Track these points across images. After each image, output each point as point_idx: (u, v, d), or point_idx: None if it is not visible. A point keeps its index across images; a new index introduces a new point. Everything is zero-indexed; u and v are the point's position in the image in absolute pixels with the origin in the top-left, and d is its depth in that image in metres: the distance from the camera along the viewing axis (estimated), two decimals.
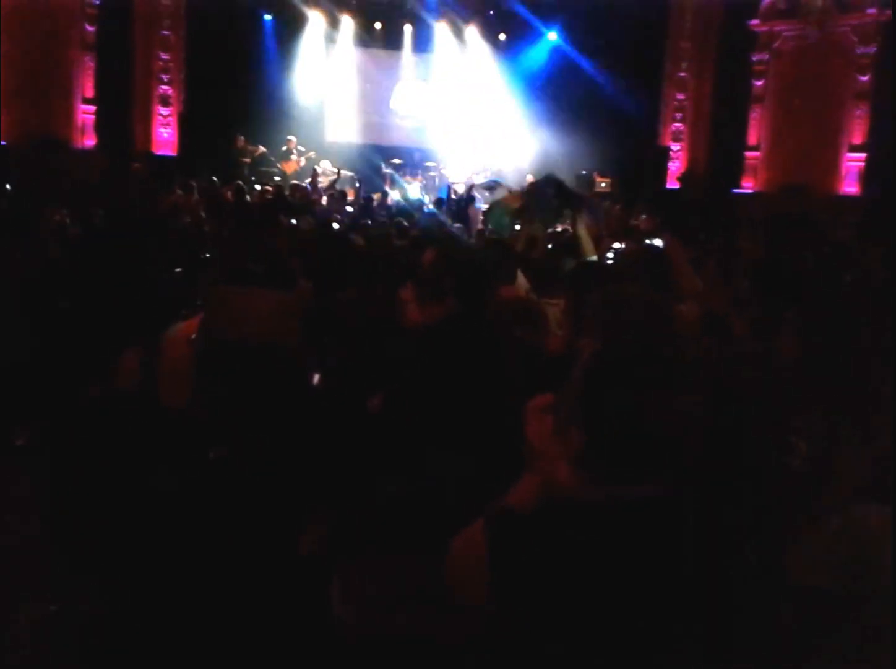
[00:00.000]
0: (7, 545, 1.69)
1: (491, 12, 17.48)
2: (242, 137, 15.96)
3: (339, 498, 2.49)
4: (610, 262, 5.97)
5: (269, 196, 11.71)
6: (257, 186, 14.07)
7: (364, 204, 13.27)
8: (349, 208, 12.85)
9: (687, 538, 1.43)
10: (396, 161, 17.00)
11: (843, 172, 14.53)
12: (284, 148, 16.43)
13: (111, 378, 2.61)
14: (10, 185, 10.61)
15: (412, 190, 15.88)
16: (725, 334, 3.05)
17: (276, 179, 15.67)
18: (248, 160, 16.03)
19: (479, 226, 10.24)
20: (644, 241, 7.41)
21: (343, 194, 13.63)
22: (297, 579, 1.98)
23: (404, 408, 2.84)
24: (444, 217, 10.75)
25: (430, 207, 13.16)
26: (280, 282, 3.49)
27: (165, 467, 1.86)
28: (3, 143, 13.84)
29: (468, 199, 13.36)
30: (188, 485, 1.92)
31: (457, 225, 9.99)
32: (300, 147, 16.53)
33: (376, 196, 14.38)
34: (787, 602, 1.78)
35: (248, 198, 11.51)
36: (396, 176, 16.63)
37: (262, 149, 16.14)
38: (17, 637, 1.58)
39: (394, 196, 15.02)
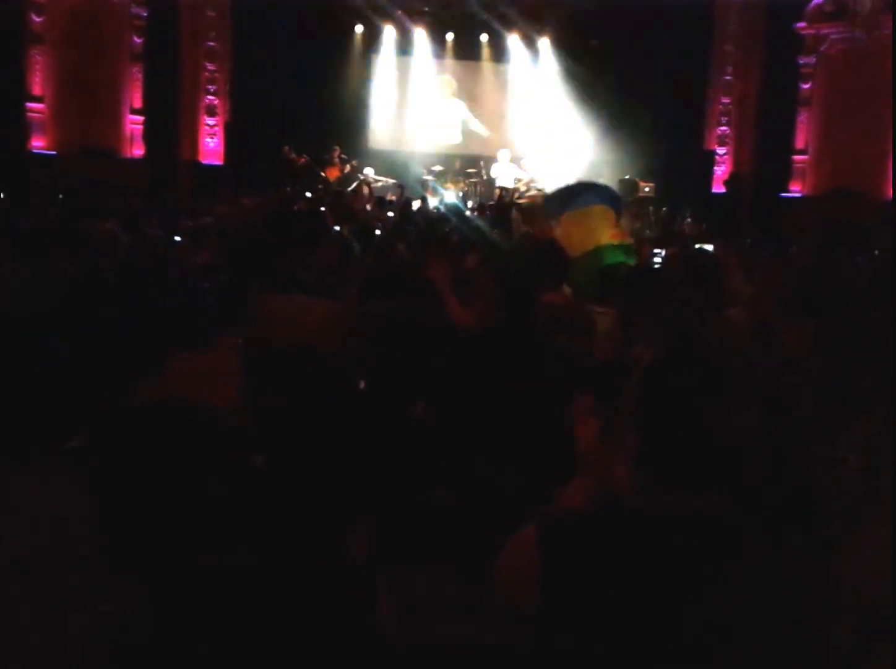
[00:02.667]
0: (59, 547, 1.71)
1: (527, 20, 17.46)
2: (287, 146, 16.12)
3: (384, 505, 2.49)
4: (656, 267, 5.91)
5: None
6: (308, 194, 14.23)
7: (404, 210, 13.31)
8: (390, 214, 12.90)
9: (739, 549, 1.40)
10: (438, 168, 17.05)
11: (893, 175, 14.25)
12: (328, 156, 16.57)
13: (160, 383, 2.64)
14: (61, 194, 10.83)
15: (452, 196, 15.91)
16: (775, 342, 3.00)
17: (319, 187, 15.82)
18: (293, 169, 16.18)
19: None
20: (689, 246, 7.33)
21: (383, 201, 13.68)
22: (343, 586, 1.98)
23: (450, 416, 2.84)
24: (480, 222, 10.69)
25: (469, 212, 13.14)
26: (328, 290, 3.51)
27: (212, 473, 1.86)
28: (53, 153, 14.16)
29: (512, 203, 13.32)
30: (234, 491, 1.93)
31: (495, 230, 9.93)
32: (343, 156, 16.66)
33: (416, 203, 14.42)
34: (839, 618, 1.74)
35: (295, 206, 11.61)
36: (436, 183, 16.67)
37: (306, 157, 16.29)
38: (71, 637, 1.60)
39: (434, 203, 15.04)
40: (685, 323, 2.15)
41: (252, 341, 3.16)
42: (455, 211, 12.67)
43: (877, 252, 8.93)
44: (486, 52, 18.11)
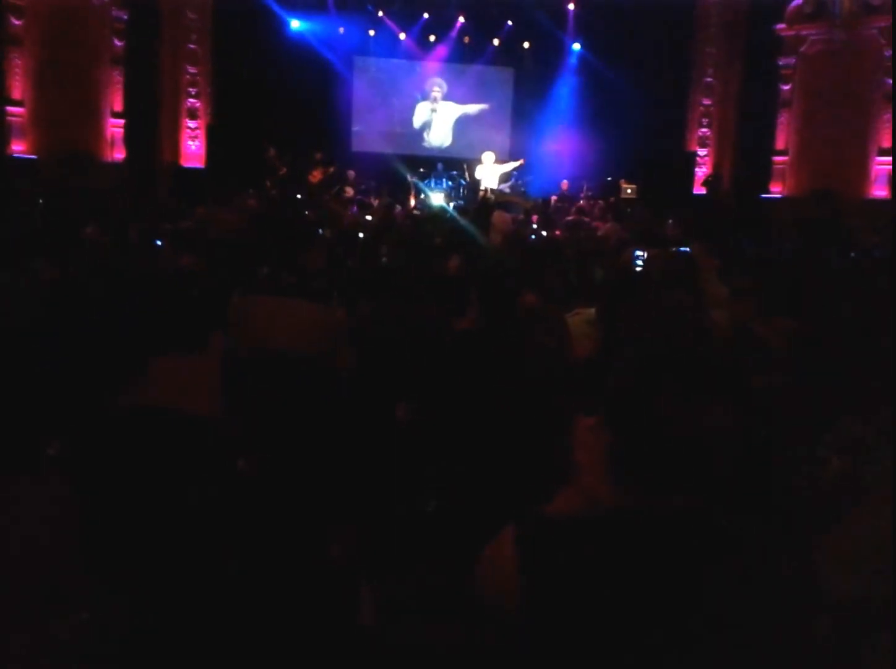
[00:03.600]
0: (39, 555, 1.69)
1: (510, 23, 17.51)
2: (272, 148, 16.04)
3: (368, 508, 2.49)
4: (638, 269, 5.94)
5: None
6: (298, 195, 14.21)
7: (386, 213, 13.28)
8: (368, 218, 12.88)
9: (718, 550, 1.41)
10: (421, 170, 17.07)
11: (873, 175, 14.37)
12: (311, 159, 16.52)
13: (142, 388, 2.63)
14: (42, 199, 10.75)
15: (435, 198, 15.94)
16: (756, 342, 3.02)
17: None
18: (277, 172, 16.13)
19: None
20: (671, 247, 7.36)
21: (365, 204, 13.66)
22: (325, 589, 1.98)
23: (436, 417, 2.85)
24: (463, 224, 10.68)
25: (453, 213, 13.14)
26: (313, 293, 3.51)
27: (194, 480, 1.86)
28: (33, 157, 14.06)
29: (495, 205, 13.33)
30: (217, 496, 1.92)
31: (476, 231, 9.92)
32: (326, 158, 16.63)
33: (399, 205, 14.41)
34: (822, 615, 1.76)
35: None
36: (420, 185, 16.69)
37: (289, 159, 16.23)
38: (50, 646, 1.59)
39: (417, 205, 15.05)
40: (669, 325, 2.17)
41: (238, 345, 3.16)
42: (438, 213, 12.66)
43: (852, 254, 9.03)
44: (468, 55, 18.14)
